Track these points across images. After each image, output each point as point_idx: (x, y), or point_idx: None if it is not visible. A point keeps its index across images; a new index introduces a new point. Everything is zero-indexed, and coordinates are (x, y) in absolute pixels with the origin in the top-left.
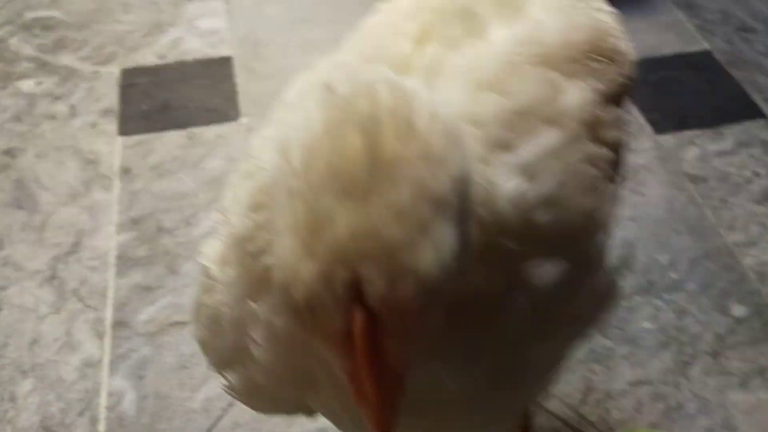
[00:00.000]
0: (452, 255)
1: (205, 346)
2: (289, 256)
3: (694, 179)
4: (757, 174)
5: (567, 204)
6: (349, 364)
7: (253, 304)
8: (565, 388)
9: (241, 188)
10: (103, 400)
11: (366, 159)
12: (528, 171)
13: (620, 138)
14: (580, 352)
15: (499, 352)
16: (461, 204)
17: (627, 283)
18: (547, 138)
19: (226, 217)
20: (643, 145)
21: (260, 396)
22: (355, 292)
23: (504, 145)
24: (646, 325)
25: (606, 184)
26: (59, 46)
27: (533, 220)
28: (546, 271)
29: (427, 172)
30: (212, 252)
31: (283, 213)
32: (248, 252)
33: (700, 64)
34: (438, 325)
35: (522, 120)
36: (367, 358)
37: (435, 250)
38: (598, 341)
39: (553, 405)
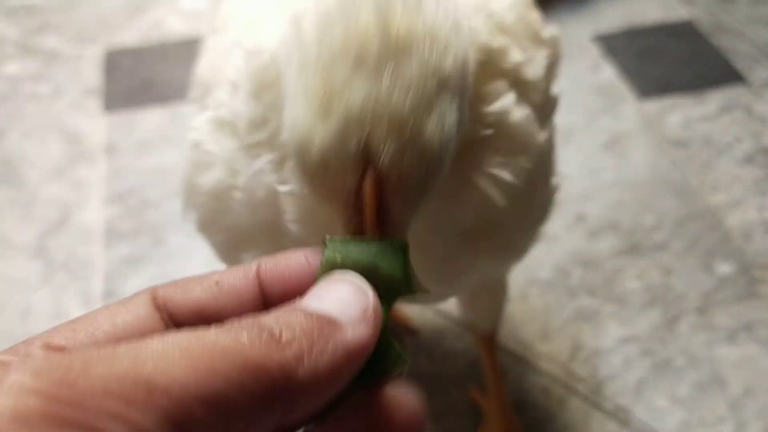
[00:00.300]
0: (452, 129)
1: (212, 226)
2: (302, 120)
3: (677, 144)
4: (738, 138)
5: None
6: (357, 222)
7: (283, 186)
8: (553, 347)
9: (226, 61)
10: None
11: (377, 33)
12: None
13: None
14: (567, 311)
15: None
16: (460, 83)
17: (612, 244)
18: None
19: (209, 89)
20: (626, 111)
21: None
22: (366, 152)
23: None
24: (632, 284)
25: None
26: (43, 29)
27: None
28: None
29: (433, 50)
30: (202, 125)
31: (295, 82)
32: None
33: (682, 33)
34: (436, 189)
35: None
36: (376, 212)
37: (439, 123)
38: (584, 300)
39: (542, 363)
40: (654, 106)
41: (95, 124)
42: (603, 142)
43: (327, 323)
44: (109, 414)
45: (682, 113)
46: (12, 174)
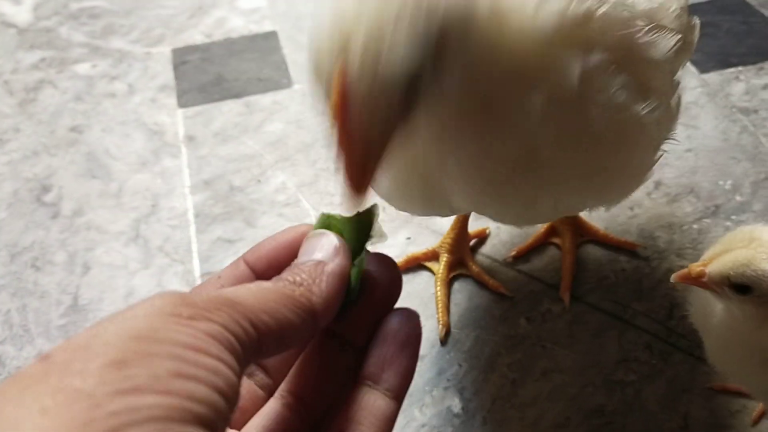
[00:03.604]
0: (403, 64)
1: None
2: (320, 33)
3: (745, 111)
4: None
5: None
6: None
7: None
8: (649, 306)
9: None
10: None
11: None
12: None
13: None
14: (658, 273)
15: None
16: (439, 30)
17: (694, 207)
18: None
19: None
20: (690, 83)
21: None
22: (345, 50)
23: None
24: None
25: None
26: (108, 31)
27: None
28: None
29: (415, 5)
30: None
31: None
32: None
33: (734, 7)
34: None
35: None
36: (339, 108)
37: (390, 53)
38: (674, 261)
39: (640, 321)
40: (716, 77)
41: (172, 118)
42: None
43: (318, 264)
44: (214, 310)
45: (744, 83)
46: (98, 167)
